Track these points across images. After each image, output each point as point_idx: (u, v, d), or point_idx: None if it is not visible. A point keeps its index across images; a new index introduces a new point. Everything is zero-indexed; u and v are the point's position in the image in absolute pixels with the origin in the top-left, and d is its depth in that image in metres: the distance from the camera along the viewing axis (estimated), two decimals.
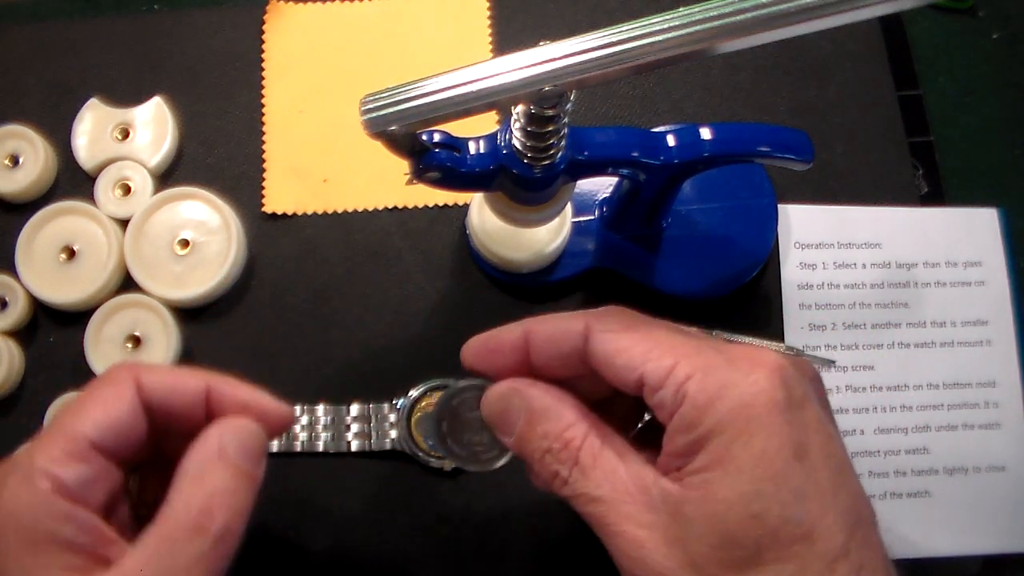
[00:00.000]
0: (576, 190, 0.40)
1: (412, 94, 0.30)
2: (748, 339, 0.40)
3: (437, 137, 0.34)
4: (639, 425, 0.33)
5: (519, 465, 0.43)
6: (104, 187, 0.46)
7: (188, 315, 0.45)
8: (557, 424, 0.29)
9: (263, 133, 0.48)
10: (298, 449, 0.43)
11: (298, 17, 0.50)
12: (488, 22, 0.50)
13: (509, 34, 0.50)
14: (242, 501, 0.29)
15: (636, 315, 0.31)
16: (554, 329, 0.31)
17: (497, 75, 0.29)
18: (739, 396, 0.26)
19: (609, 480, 0.28)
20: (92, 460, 0.28)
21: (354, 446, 0.43)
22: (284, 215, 0.47)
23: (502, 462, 0.34)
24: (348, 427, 0.43)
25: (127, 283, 0.45)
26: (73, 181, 0.47)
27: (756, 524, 0.25)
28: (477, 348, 0.32)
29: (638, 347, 0.28)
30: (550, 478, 0.29)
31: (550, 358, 0.31)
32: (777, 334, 0.46)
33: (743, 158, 0.38)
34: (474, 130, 0.35)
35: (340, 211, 0.47)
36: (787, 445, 0.26)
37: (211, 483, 0.28)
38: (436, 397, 0.43)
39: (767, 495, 0.26)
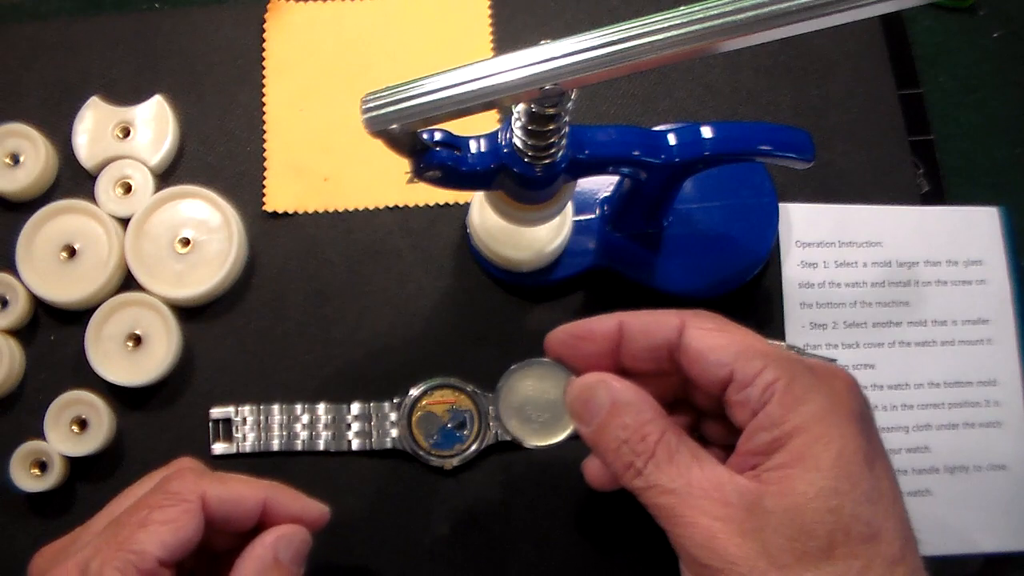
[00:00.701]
0: (577, 189, 0.40)
1: (413, 93, 0.30)
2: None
3: (438, 136, 0.34)
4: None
5: (518, 466, 0.43)
6: (105, 186, 0.46)
7: (189, 314, 0.45)
8: (638, 418, 0.31)
9: (264, 132, 0.48)
10: (299, 448, 0.43)
11: (299, 16, 0.50)
12: (488, 21, 0.50)
13: (509, 33, 0.50)
14: None
15: (727, 320, 0.33)
16: (649, 320, 0.33)
17: (498, 74, 0.29)
18: (823, 402, 0.29)
19: (684, 475, 0.29)
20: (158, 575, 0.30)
21: (355, 445, 0.43)
22: (285, 214, 0.47)
23: (549, 443, 0.36)
24: (349, 426, 0.43)
25: (128, 282, 0.45)
26: (74, 180, 0.47)
27: (832, 518, 0.27)
28: (565, 336, 0.34)
29: (731, 347, 0.31)
30: (623, 468, 0.31)
31: (641, 349, 0.33)
32: (778, 333, 0.46)
33: (744, 157, 0.38)
34: (475, 129, 0.35)
35: (341, 210, 0.47)
36: (860, 451, 0.28)
37: None
38: (437, 396, 0.43)
39: (843, 492, 0.28)
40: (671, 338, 0.32)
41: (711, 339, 0.31)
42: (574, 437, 0.34)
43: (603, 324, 0.34)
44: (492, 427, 0.43)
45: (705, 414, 0.35)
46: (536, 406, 0.36)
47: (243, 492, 0.33)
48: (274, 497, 0.34)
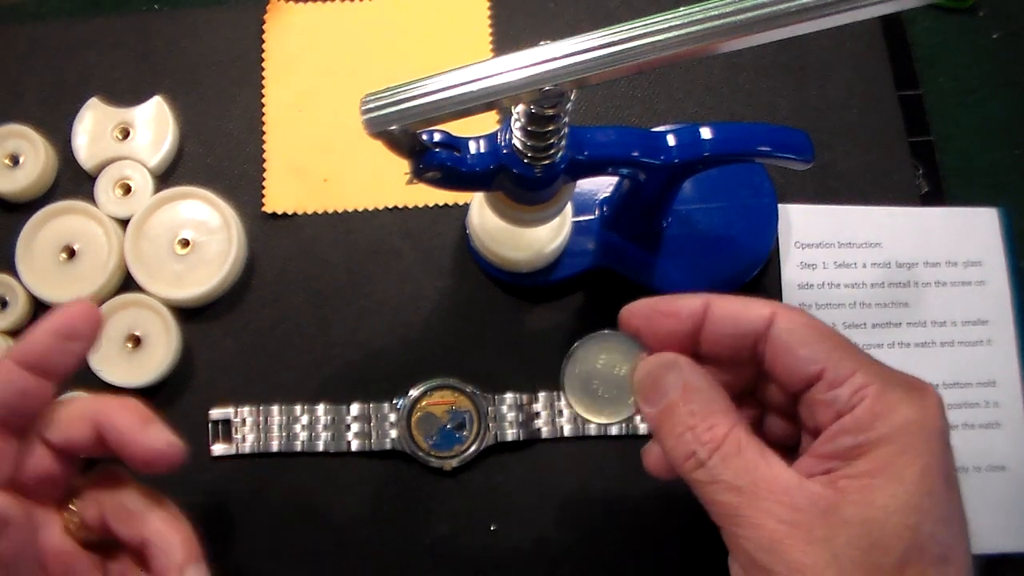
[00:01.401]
0: (576, 190, 0.40)
1: (412, 94, 0.30)
2: None
3: (437, 137, 0.34)
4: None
5: (518, 466, 0.43)
6: (104, 187, 0.46)
7: (188, 315, 0.45)
8: (709, 407, 0.30)
9: (263, 133, 0.48)
10: (298, 449, 0.43)
11: (298, 16, 0.50)
12: (488, 22, 0.50)
13: (509, 34, 0.50)
14: None
15: (818, 319, 0.31)
16: (739, 307, 0.31)
17: (497, 75, 0.29)
18: (914, 414, 0.28)
19: (750, 473, 0.28)
20: None
21: (354, 446, 0.43)
22: (284, 215, 0.47)
23: (608, 421, 0.34)
24: (348, 427, 0.43)
25: (127, 283, 0.45)
26: (73, 181, 0.47)
27: (910, 535, 0.26)
28: (648, 309, 0.33)
29: (824, 344, 0.30)
30: (683, 457, 0.30)
31: (725, 335, 0.31)
32: None
33: (743, 158, 0.38)
34: (474, 130, 0.35)
35: (340, 211, 0.47)
36: (943, 471, 0.28)
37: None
38: (437, 396, 0.43)
39: (924, 510, 0.27)
40: (759, 328, 0.31)
41: (804, 333, 0.30)
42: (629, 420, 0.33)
43: (690, 302, 0.32)
44: (491, 428, 0.43)
45: (770, 410, 0.34)
46: (604, 381, 0.34)
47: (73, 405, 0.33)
48: (106, 413, 0.32)
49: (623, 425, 0.43)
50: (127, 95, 0.48)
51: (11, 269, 0.44)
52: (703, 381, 0.31)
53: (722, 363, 0.33)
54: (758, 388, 0.34)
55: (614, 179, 0.45)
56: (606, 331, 0.34)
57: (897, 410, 0.28)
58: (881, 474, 0.27)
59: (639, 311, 0.33)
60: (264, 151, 0.47)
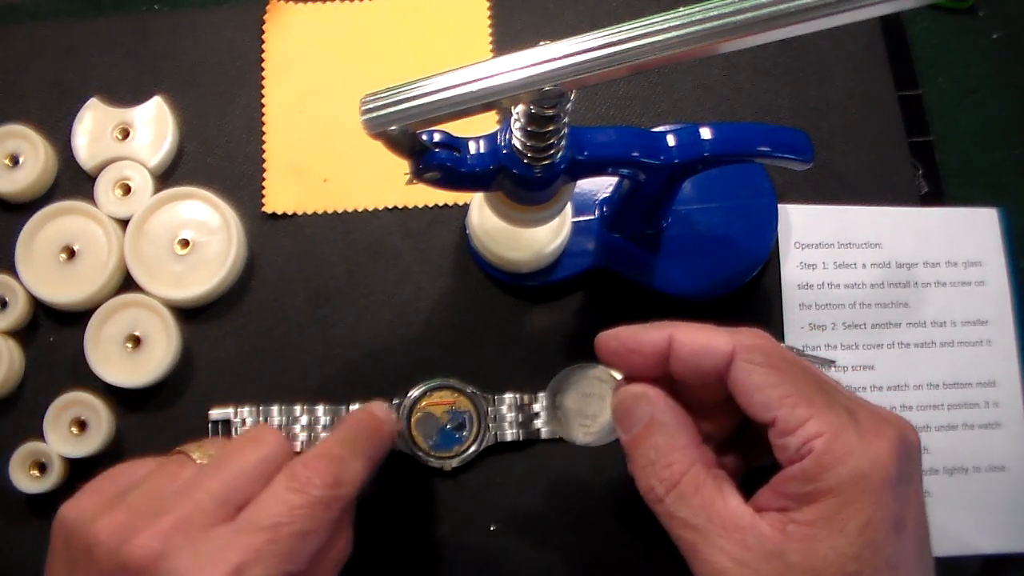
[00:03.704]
0: (576, 190, 0.40)
1: (412, 94, 0.30)
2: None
3: (437, 137, 0.34)
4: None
5: (518, 466, 0.43)
6: (104, 187, 0.46)
7: (188, 315, 0.45)
8: (670, 441, 0.31)
9: (263, 133, 0.48)
10: (298, 449, 0.43)
11: (298, 17, 0.50)
12: (488, 22, 0.50)
13: (509, 34, 0.50)
14: None
15: (780, 349, 0.32)
16: (701, 345, 0.32)
17: (497, 75, 0.29)
18: (860, 467, 0.28)
19: (706, 510, 0.30)
20: None
21: None
22: (284, 215, 0.47)
23: (597, 442, 0.36)
24: None
25: (127, 283, 0.45)
26: (73, 181, 0.47)
27: None
28: (616, 346, 0.33)
29: (778, 389, 0.30)
30: (645, 490, 0.32)
31: (688, 370, 0.32)
32: (777, 334, 0.46)
33: (743, 158, 0.38)
34: (474, 130, 0.35)
35: (340, 211, 0.47)
36: (890, 518, 0.28)
37: (350, 527, 0.34)
38: (437, 397, 0.43)
39: (864, 560, 0.28)
40: (720, 366, 0.31)
41: (759, 377, 0.30)
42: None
43: (653, 337, 0.32)
44: (491, 428, 0.43)
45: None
46: (590, 403, 0.36)
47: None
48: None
49: None
50: (127, 95, 0.48)
51: (11, 269, 0.44)
52: (669, 415, 0.32)
53: (699, 385, 0.33)
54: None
55: (614, 179, 0.45)
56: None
57: (845, 462, 0.28)
58: (825, 525, 0.28)
59: (609, 346, 0.34)
60: (264, 151, 0.47)
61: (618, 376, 0.35)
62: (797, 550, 0.28)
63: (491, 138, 0.35)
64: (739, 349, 0.31)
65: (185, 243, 0.45)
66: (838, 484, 0.28)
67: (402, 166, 0.35)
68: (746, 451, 0.35)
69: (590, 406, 0.36)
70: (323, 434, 0.43)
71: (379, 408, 0.38)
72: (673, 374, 0.33)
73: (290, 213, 0.47)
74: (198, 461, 0.33)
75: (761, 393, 0.30)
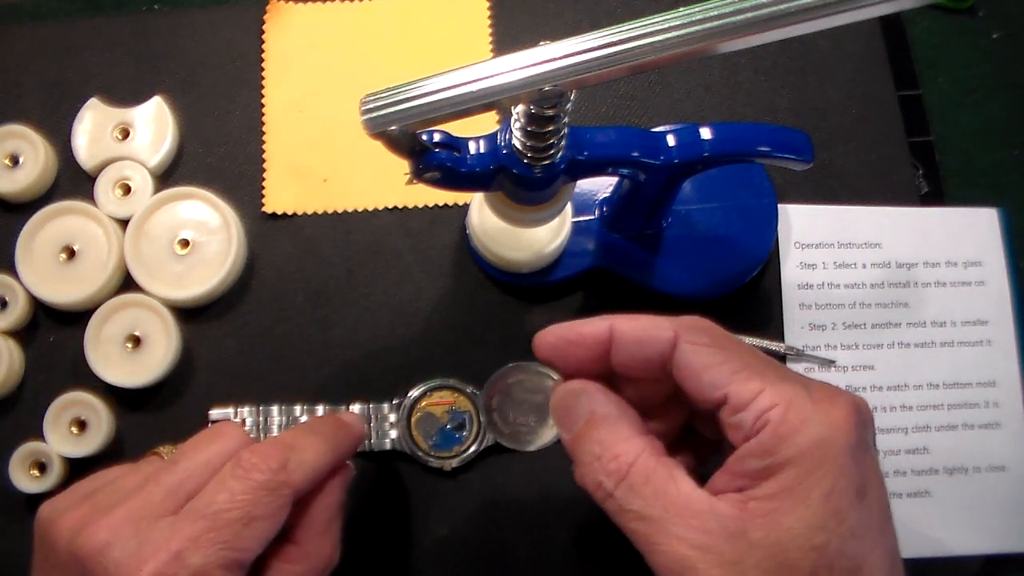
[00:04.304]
0: (576, 190, 0.40)
1: (412, 94, 0.30)
2: (751, 340, 0.41)
3: (437, 137, 0.34)
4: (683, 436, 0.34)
5: (517, 466, 0.43)
6: (104, 187, 0.46)
7: (188, 315, 0.45)
8: (613, 434, 0.30)
9: (263, 133, 0.48)
10: None
11: (298, 17, 0.50)
12: (488, 22, 0.50)
13: (509, 34, 0.50)
14: None
15: (724, 332, 0.31)
16: (642, 332, 0.31)
17: (497, 75, 0.29)
18: (819, 433, 0.27)
19: (660, 499, 0.28)
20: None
21: None
22: (284, 215, 0.47)
23: (538, 446, 0.35)
24: None
25: (127, 283, 0.45)
26: (73, 181, 0.47)
27: (816, 555, 0.27)
28: (555, 339, 0.32)
29: (726, 365, 0.29)
30: (593, 487, 0.30)
31: (632, 359, 0.31)
32: (777, 334, 0.46)
33: (743, 158, 0.38)
34: (474, 130, 0.35)
35: (340, 211, 0.47)
36: (852, 485, 0.27)
37: (335, 534, 0.34)
38: (437, 397, 0.43)
39: (830, 529, 0.27)
40: (664, 351, 0.30)
41: (706, 356, 0.29)
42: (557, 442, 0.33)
43: (594, 328, 0.32)
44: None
45: (699, 416, 0.34)
46: (523, 409, 0.35)
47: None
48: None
49: None
50: (127, 95, 0.48)
51: (11, 269, 0.44)
52: (611, 407, 0.31)
53: (640, 380, 0.32)
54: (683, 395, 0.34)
55: (614, 179, 0.45)
56: (523, 363, 0.34)
57: (802, 431, 0.27)
58: (787, 497, 0.27)
59: (547, 342, 0.33)
60: (264, 151, 0.47)
61: (555, 376, 0.34)
62: (760, 526, 0.27)
63: (491, 138, 0.35)
64: (682, 332, 0.30)
65: (185, 243, 0.45)
66: (797, 453, 0.27)
67: (402, 166, 0.35)
68: (694, 451, 0.34)
69: (527, 411, 0.35)
70: None
71: (346, 413, 0.38)
72: (616, 367, 0.32)
73: (290, 213, 0.47)
74: (166, 459, 0.33)
75: (708, 372, 0.29)
